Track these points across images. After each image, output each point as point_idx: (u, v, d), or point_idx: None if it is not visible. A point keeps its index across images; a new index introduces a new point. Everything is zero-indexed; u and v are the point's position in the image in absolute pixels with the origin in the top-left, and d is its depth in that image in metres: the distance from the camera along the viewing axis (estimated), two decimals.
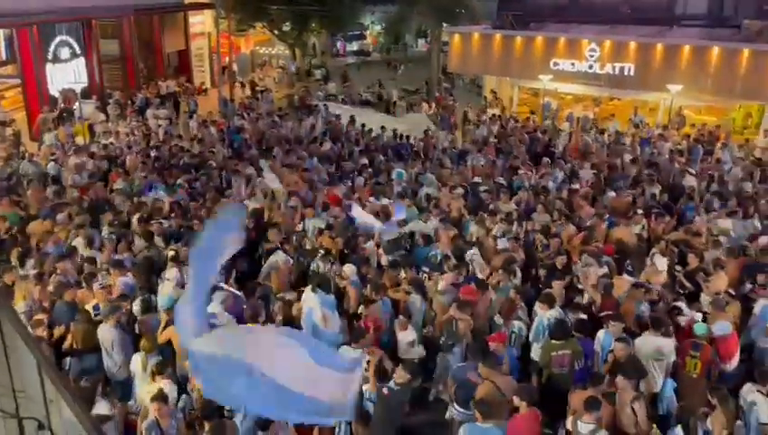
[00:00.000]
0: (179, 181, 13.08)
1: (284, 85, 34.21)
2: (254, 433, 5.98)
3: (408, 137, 18.59)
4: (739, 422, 6.52)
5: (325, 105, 22.99)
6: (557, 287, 8.42)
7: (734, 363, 7.61)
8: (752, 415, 6.40)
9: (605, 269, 9.10)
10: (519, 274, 9.27)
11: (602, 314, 7.94)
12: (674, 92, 20.31)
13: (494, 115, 23.97)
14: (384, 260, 9.75)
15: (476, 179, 14.16)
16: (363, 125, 19.36)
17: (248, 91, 29.55)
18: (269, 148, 16.97)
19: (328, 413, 4.44)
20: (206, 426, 5.88)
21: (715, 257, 9.44)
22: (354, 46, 50.56)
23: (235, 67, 32.78)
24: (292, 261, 9.49)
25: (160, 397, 5.91)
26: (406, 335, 7.88)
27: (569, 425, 6.09)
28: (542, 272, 9.42)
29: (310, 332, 7.52)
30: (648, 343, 7.24)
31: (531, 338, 7.92)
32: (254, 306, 8.04)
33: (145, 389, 6.64)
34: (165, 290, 8.31)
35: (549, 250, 10.03)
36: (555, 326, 7.39)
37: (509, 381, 6.62)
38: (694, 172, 14.71)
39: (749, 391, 6.56)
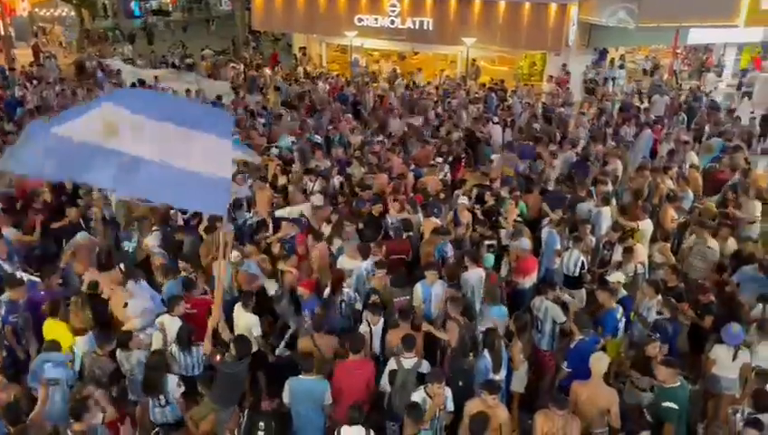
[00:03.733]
0: None
1: (74, 50, 31.03)
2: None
3: (219, 98, 17.92)
4: (534, 332, 7.44)
5: (119, 70, 21.29)
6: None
7: (528, 281, 8.55)
8: (548, 320, 7.36)
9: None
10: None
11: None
12: (469, 45, 21.67)
13: (306, 74, 23.93)
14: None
15: (291, 139, 14.13)
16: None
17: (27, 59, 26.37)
18: None
19: (204, 194, 4.61)
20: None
21: (511, 193, 10.43)
22: (152, 5, 47.00)
23: (11, 31, 29.08)
24: (95, 238, 8.85)
25: None
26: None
27: (394, 365, 6.42)
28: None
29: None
30: (475, 274, 7.97)
31: (353, 287, 8.18)
32: (53, 292, 7.43)
33: None
34: None
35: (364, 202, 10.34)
36: (395, 275, 7.76)
37: (328, 340, 6.80)
38: (495, 120, 15.92)
39: (540, 302, 7.50)
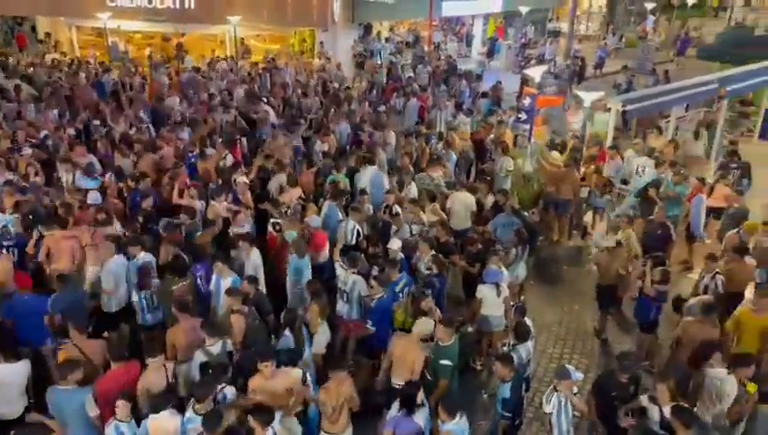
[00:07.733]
0: None
1: None
2: None
3: None
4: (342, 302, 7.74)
5: None
6: None
7: (323, 256, 8.71)
8: (355, 291, 7.62)
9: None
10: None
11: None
12: (234, 23, 21.03)
13: (54, 60, 21.42)
14: None
15: (44, 133, 12.69)
16: None
17: None
18: None
19: None
20: None
21: (288, 174, 10.49)
22: None
23: None
24: None
25: None
26: None
27: (203, 356, 6.25)
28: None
29: None
30: (255, 254, 8.05)
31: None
32: None
33: None
34: None
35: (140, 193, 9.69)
36: (173, 262, 7.56)
37: (95, 345, 6.41)
38: (265, 100, 15.79)
39: (347, 276, 7.71)
